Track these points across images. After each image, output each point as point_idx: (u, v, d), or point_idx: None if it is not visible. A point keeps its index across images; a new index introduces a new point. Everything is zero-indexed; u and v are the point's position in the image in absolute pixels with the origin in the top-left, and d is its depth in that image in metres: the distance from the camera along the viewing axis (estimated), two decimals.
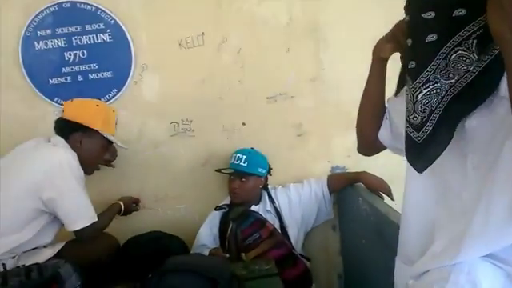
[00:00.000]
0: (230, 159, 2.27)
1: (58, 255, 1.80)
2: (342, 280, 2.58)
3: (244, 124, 2.43)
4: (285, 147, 2.48)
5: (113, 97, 2.30)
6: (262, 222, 2.17)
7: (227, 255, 1.95)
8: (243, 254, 2.10)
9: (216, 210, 2.32)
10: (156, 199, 2.45)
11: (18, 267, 1.56)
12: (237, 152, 2.26)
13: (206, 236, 2.25)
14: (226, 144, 2.43)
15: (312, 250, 2.46)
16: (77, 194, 1.79)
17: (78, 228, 1.80)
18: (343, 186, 2.35)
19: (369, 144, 1.35)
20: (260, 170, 2.27)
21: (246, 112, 2.42)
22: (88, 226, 1.81)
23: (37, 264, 1.53)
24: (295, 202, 2.33)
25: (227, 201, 2.35)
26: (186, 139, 2.41)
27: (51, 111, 2.27)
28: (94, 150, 1.94)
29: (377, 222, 1.94)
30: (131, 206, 2.27)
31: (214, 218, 2.30)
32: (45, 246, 1.85)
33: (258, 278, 1.77)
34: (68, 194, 1.76)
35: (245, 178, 2.21)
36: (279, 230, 2.22)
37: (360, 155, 1.44)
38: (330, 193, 2.36)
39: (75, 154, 1.83)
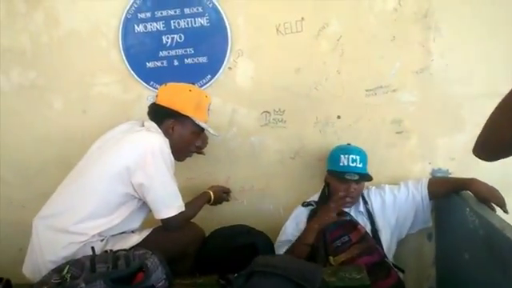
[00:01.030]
0: (338, 160, 2.08)
1: (144, 242, 1.79)
2: None
3: (339, 117, 2.27)
4: (382, 145, 2.29)
5: (206, 83, 2.25)
6: (352, 224, 2.02)
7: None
8: (331, 258, 1.97)
9: (303, 206, 2.20)
10: (242, 190, 2.39)
11: (106, 252, 1.56)
12: (346, 152, 2.08)
13: (292, 231, 2.14)
14: (318, 137, 2.30)
15: (402, 258, 2.26)
16: (166, 182, 1.76)
17: (165, 217, 1.78)
18: (447, 192, 2.11)
19: (501, 145, 1.12)
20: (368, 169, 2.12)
21: (342, 105, 2.26)
22: (175, 216, 1.78)
23: (124, 251, 1.51)
24: (389, 204, 2.14)
25: (315, 197, 2.22)
26: (276, 130, 2.30)
27: (146, 95, 2.28)
28: (186, 137, 1.90)
29: (487, 236, 1.72)
30: (222, 195, 2.22)
31: (301, 213, 2.19)
32: (132, 232, 1.85)
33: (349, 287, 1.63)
34: (158, 181, 1.73)
35: (362, 182, 2.07)
36: (370, 234, 2.05)
37: (466, 159, 1.24)
38: (430, 198, 2.13)
39: (167, 141, 1.80)
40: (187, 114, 1.87)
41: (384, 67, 2.20)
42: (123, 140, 1.78)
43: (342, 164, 2.07)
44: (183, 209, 1.81)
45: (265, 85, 2.26)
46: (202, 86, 2.24)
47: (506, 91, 1.04)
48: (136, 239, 1.80)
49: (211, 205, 2.16)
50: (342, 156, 2.08)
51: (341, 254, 1.98)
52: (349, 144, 2.18)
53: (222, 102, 2.27)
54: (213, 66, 2.23)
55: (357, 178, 2.02)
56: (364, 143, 2.21)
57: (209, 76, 2.24)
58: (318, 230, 1.93)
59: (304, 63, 2.22)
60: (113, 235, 1.79)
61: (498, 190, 1.92)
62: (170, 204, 1.77)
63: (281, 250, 2.08)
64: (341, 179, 2.06)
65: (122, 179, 1.72)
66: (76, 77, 2.31)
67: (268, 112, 2.29)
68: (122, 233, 1.83)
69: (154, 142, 1.74)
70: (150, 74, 2.26)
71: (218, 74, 2.24)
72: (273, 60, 2.23)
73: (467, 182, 1.98)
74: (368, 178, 2.06)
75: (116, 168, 1.72)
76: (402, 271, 2.02)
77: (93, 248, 1.57)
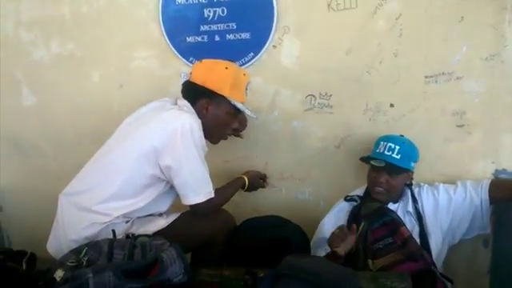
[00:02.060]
0: (376, 147, 1.92)
1: (170, 226, 1.70)
2: None
3: (392, 105, 2.05)
4: (439, 138, 2.06)
5: (248, 61, 2.10)
6: (397, 225, 1.83)
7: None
8: (370, 261, 1.80)
9: (346, 200, 2.02)
10: (281, 177, 2.24)
11: (127, 236, 1.46)
12: (387, 139, 1.90)
13: (330, 228, 1.96)
14: (367, 126, 2.09)
15: (452, 266, 2.05)
16: (195, 166, 1.64)
17: (192, 203, 1.67)
18: (510, 196, 1.87)
19: None
20: (412, 164, 1.90)
21: (397, 92, 2.03)
22: (203, 203, 1.66)
23: (145, 238, 1.41)
24: (443, 205, 1.92)
25: (360, 192, 2.03)
26: (321, 115, 2.12)
27: (184, 71, 2.16)
28: (221, 118, 1.77)
29: None
30: (257, 181, 2.08)
31: (342, 209, 2.01)
32: (160, 215, 1.76)
33: None
34: (186, 164, 1.62)
35: (395, 174, 1.86)
36: (418, 239, 1.85)
37: None
38: (491, 203, 1.89)
39: (200, 122, 1.67)
40: (222, 94, 1.72)
41: (448, 51, 1.95)
42: (153, 118, 1.67)
43: (377, 151, 1.89)
44: (212, 195, 1.69)
45: (311, 66, 2.07)
46: (243, 64, 2.09)
47: None
48: (162, 223, 1.71)
49: (246, 191, 2.03)
50: (381, 143, 1.90)
51: (381, 258, 1.81)
52: (401, 135, 1.96)
53: (264, 82, 2.11)
54: (256, 44, 2.07)
55: (383, 164, 1.82)
56: (418, 136, 2.00)
57: (251, 54, 2.08)
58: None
59: (356, 44, 2.01)
60: (139, 217, 1.71)
61: None
62: (198, 190, 1.65)
63: (317, 249, 1.92)
64: (371, 166, 1.90)
65: (149, 160, 1.61)
66: (114, 49, 2.23)
67: (313, 95, 2.11)
68: (150, 215, 1.74)
69: (185, 121, 1.62)
70: (189, 49, 2.13)
71: (261, 53, 2.08)
72: (322, 39, 2.04)
73: None
74: (398, 170, 1.84)
75: (143, 148, 1.61)
76: (451, 281, 1.81)
77: (113, 231, 1.48)
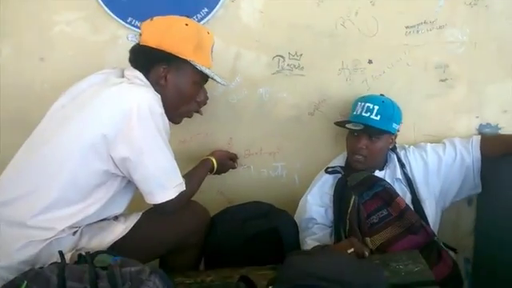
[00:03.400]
0: (354, 109, 1.70)
1: (131, 233, 1.35)
2: (469, 265, 2.07)
3: (371, 62, 1.82)
4: (421, 95, 1.88)
5: (202, 18, 1.74)
6: (391, 195, 1.63)
7: (367, 253, 1.40)
8: (368, 239, 1.58)
9: (327, 172, 1.78)
10: (248, 154, 1.94)
11: (80, 257, 1.09)
12: (365, 100, 1.68)
13: (315, 207, 1.74)
14: (344, 87, 1.85)
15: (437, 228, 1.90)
16: (160, 154, 1.29)
17: (161, 201, 1.32)
18: (502, 152, 1.74)
19: None
20: (394, 125, 1.68)
21: (376, 46, 1.80)
22: (174, 198, 1.33)
23: (107, 255, 1.05)
24: (433, 168, 1.75)
25: (340, 161, 1.81)
26: (292, 79, 1.84)
27: (123, 35, 1.75)
28: (184, 89, 1.41)
29: None
30: (227, 162, 1.78)
31: (325, 183, 1.78)
32: (115, 218, 1.40)
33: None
34: (148, 153, 1.26)
35: (375, 137, 1.63)
36: (411, 207, 1.66)
37: None
38: (482, 160, 1.74)
39: (159, 97, 1.31)
40: (184, 57, 1.36)
41: None
42: (96, 97, 1.28)
43: (355, 113, 1.68)
44: (184, 187, 1.36)
45: (277, 21, 1.77)
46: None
47: None
48: (120, 230, 1.36)
49: (214, 174, 1.72)
50: (358, 103, 1.69)
51: (378, 234, 1.61)
52: (382, 95, 1.74)
53: (222, 43, 1.76)
54: None
55: (361, 127, 1.61)
56: (399, 94, 1.81)
57: (205, 10, 1.73)
58: None
59: None
60: (89, 224, 1.34)
61: None
62: (166, 184, 1.31)
63: (304, 232, 1.67)
64: (350, 132, 1.69)
65: (98, 152, 1.24)
66: (29, 13, 1.73)
67: (281, 56, 1.81)
68: (103, 220, 1.38)
69: (141, 98, 1.25)
70: (126, 7, 1.72)
71: (216, 8, 1.73)
72: None
73: None
74: (378, 132, 1.63)
75: (88, 137, 1.23)
76: (455, 251, 1.66)
77: (61, 253, 1.11)
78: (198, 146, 1.88)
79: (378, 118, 1.62)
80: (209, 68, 1.43)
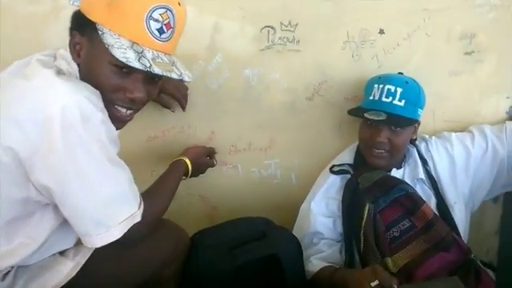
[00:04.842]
0: (369, 92, 1.37)
1: (84, 271, 0.99)
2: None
3: (382, 32, 1.49)
4: (442, 72, 1.57)
5: None
6: (415, 201, 1.32)
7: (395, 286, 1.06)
8: (389, 260, 1.26)
9: (333, 172, 1.44)
10: (234, 150, 1.58)
11: None
12: (384, 81, 1.34)
13: (321, 217, 1.40)
14: (349, 65, 1.51)
15: None
16: (99, 179, 0.89)
17: (104, 244, 0.93)
18: None
19: None
20: (419, 111, 1.36)
21: (388, 11, 1.47)
22: (130, 229, 0.95)
23: None
24: (461, 163, 1.44)
25: (348, 158, 1.48)
26: (285, 55, 1.47)
27: (68, 5, 1.34)
28: (97, 74, 0.95)
29: None
30: (203, 161, 1.41)
31: (332, 186, 1.44)
32: (62, 253, 1.03)
33: None
34: (79, 180, 0.87)
35: (400, 128, 1.31)
36: (437, 213, 1.34)
37: None
38: None
39: (97, 93, 0.92)
40: (92, 18, 0.93)
41: None
42: (3, 95, 0.89)
43: (371, 98, 1.35)
44: (138, 218, 0.96)
45: None
46: None
47: None
48: (68, 269, 1.00)
49: (190, 177, 1.34)
50: (375, 86, 1.35)
51: (401, 251, 1.28)
52: (400, 73, 1.40)
53: (196, 11, 1.39)
54: None
55: (383, 117, 1.28)
56: (417, 71, 1.50)
57: None
58: None
59: None
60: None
61: None
62: (107, 221, 0.91)
63: (307, 251, 1.34)
64: (365, 121, 1.36)
65: (10, 172, 0.86)
66: None
67: (271, 27, 1.44)
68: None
69: (67, 99, 0.85)
70: None
71: None
72: None
73: None
74: (403, 122, 1.32)
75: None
76: (494, 270, 1.35)
77: None
78: (172, 143, 1.51)
79: (402, 103, 1.30)
80: (136, 43, 0.92)
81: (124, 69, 0.92)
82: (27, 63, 0.93)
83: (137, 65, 0.89)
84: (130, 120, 1.03)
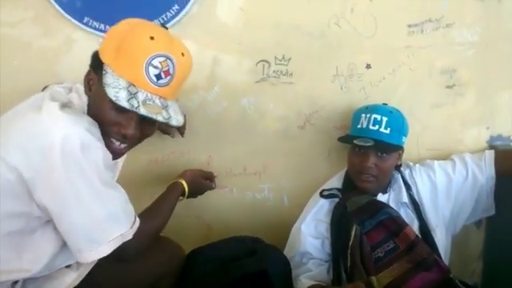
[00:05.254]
0: (357, 121, 1.47)
1: (88, 282, 1.09)
2: None
3: (369, 67, 1.60)
4: (426, 104, 1.67)
5: (172, 17, 1.48)
6: (398, 224, 1.40)
7: None
8: (373, 279, 1.34)
9: (323, 196, 1.53)
10: (230, 174, 1.68)
11: None
12: (370, 110, 1.45)
13: (310, 238, 1.48)
14: (338, 97, 1.62)
15: None
16: (95, 202, 0.99)
17: (94, 259, 1.03)
18: None
19: None
20: (403, 139, 1.47)
21: (375, 48, 1.58)
22: (123, 247, 1.04)
23: None
24: (442, 189, 1.52)
25: (337, 182, 1.57)
26: (279, 87, 1.59)
27: (80, 38, 1.47)
28: (98, 108, 1.05)
29: None
30: (201, 183, 1.49)
31: (321, 209, 1.53)
32: (68, 265, 1.12)
33: None
34: (76, 203, 0.97)
35: (386, 154, 1.41)
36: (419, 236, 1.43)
37: None
38: (497, 179, 1.52)
39: (95, 125, 1.03)
40: (102, 60, 1.04)
41: None
42: (14, 126, 0.99)
43: (359, 126, 1.45)
44: (129, 237, 1.05)
45: (261, 20, 1.53)
46: (167, 22, 1.47)
47: None
48: (72, 279, 1.09)
49: (187, 198, 1.44)
50: (362, 115, 1.46)
51: (386, 270, 1.36)
52: (385, 104, 1.51)
53: (197, 47, 1.51)
54: None
55: (371, 143, 1.38)
56: (402, 102, 1.60)
57: (176, 7, 1.47)
58: None
59: None
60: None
61: None
62: (98, 238, 1.01)
63: (297, 270, 1.43)
64: (352, 148, 1.46)
65: (16, 191, 0.96)
66: None
67: (266, 61, 1.57)
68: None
69: (68, 130, 0.95)
70: (83, 5, 1.44)
71: (189, 4, 1.48)
72: None
73: None
74: (389, 148, 1.42)
75: (9, 178, 0.94)
76: None
77: None
78: (171, 167, 1.61)
79: (387, 131, 1.40)
80: (133, 84, 1.00)
81: (120, 107, 0.99)
82: (43, 97, 1.04)
83: (125, 104, 0.97)
84: (124, 153, 1.12)
